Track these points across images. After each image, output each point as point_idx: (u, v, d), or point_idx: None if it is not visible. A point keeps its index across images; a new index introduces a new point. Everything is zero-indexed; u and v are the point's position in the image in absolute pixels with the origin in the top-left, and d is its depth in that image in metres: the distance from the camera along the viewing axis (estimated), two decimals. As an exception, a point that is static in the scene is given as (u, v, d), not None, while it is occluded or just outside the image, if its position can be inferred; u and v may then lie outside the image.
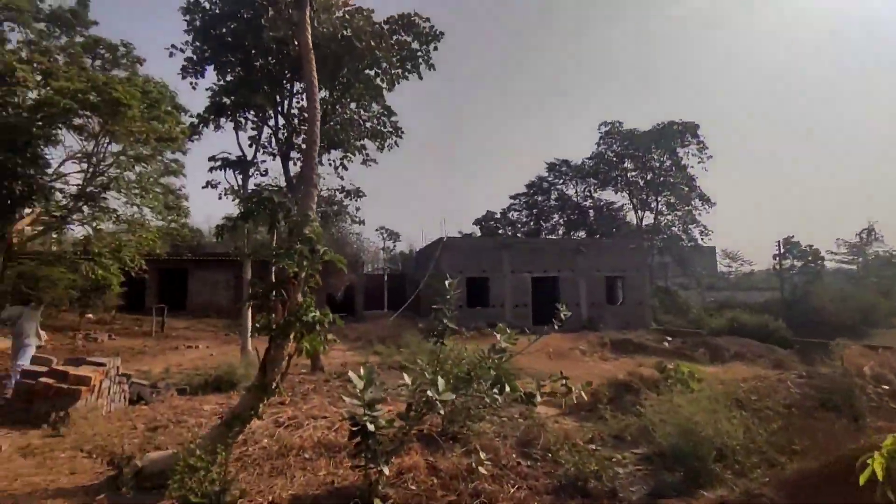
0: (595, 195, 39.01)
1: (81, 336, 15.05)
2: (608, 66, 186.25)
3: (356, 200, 12.25)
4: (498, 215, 45.37)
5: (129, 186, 14.19)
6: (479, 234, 40.83)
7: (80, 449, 5.17)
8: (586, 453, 5.75)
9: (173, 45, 10.84)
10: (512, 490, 4.83)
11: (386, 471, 4.40)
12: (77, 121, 14.01)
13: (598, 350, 18.32)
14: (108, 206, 14.14)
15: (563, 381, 5.35)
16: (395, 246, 42.35)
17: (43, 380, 6.35)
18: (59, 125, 13.67)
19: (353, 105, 11.22)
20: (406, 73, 11.14)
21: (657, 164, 35.74)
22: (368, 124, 11.63)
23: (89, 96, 13.17)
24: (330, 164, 11.95)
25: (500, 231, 43.06)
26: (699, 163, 35.50)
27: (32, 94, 13.94)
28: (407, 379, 4.87)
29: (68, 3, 15.91)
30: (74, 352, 12.88)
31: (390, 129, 12.13)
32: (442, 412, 4.94)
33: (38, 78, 14.42)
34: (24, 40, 15.55)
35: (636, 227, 36.28)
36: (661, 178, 35.30)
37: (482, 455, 5.02)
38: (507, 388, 4.87)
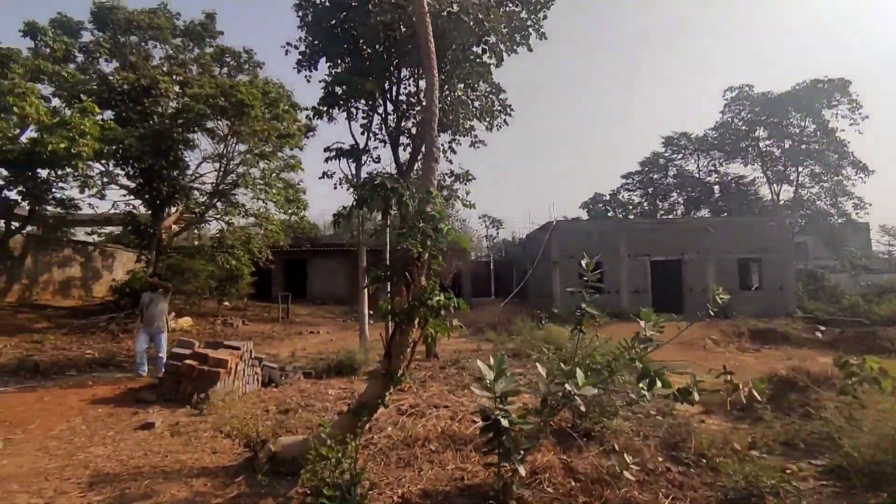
0: (721, 169, 35.27)
1: (220, 321, 16.51)
2: (736, 24, 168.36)
3: (466, 184, 11.91)
4: (607, 197, 42.95)
5: (254, 183, 15.23)
6: (585, 217, 38.91)
7: (220, 430, 5.37)
8: (753, 462, 4.88)
9: (288, 43, 11.22)
10: (666, 501, 4.17)
11: (522, 471, 3.97)
12: (209, 124, 15.25)
13: (733, 340, 16.44)
14: (238, 202, 15.29)
15: (727, 377, 4.51)
16: (497, 233, 41.81)
17: (187, 362, 6.79)
18: (195, 129, 14.93)
19: (460, 86, 10.85)
20: (515, 47, 10.53)
21: (797, 130, 31.28)
22: (477, 104, 11.21)
23: (219, 101, 14.23)
24: (437, 149, 11.75)
25: (609, 214, 40.72)
26: (851, 125, 30.43)
27: (172, 103, 15.40)
28: (541, 369, 4.40)
29: (198, 17, 17.31)
30: (214, 336, 14.09)
31: (499, 108, 11.61)
32: (583, 408, 4.42)
33: (177, 88, 15.90)
34: (164, 56, 17.24)
35: (771, 203, 32.19)
36: (803, 146, 30.82)
37: (628, 458, 4.40)
38: (659, 383, 4.18)
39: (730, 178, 34.87)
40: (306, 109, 11.28)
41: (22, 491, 4.00)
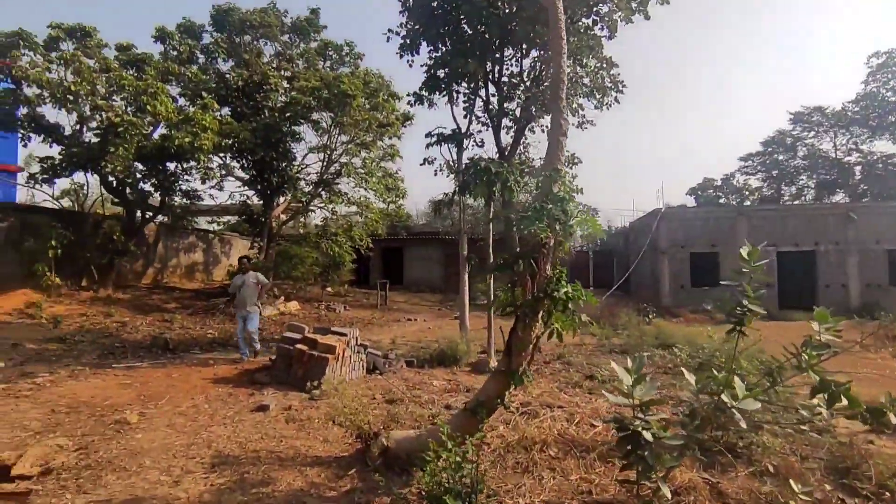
0: (863, 147, 30.74)
1: (323, 306, 17.21)
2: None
3: (572, 168, 11.18)
4: (718, 182, 39.35)
5: (355, 172, 15.56)
6: (692, 205, 35.90)
7: (332, 419, 5.32)
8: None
9: (389, 30, 11.13)
10: (848, 544, 3.39)
11: (666, 492, 3.40)
12: (314, 116, 15.78)
13: (885, 344, 14.16)
14: (341, 191, 15.73)
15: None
16: (595, 221, 39.83)
17: (299, 346, 6.90)
18: (301, 121, 15.50)
19: (568, 61, 10.10)
20: (632, 15, 9.60)
21: (965, 99, 26.42)
22: (586, 80, 10.41)
23: (323, 93, 14.66)
24: (542, 131, 11.12)
25: (721, 200, 37.27)
26: None
27: (281, 98, 16.13)
28: (689, 376, 3.77)
29: (303, 13, 17.94)
30: (319, 320, 14.65)
31: (610, 84, 10.72)
32: (743, 425, 3.74)
33: (285, 83, 16.61)
34: (273, 52, 18.12)
35: (928, 186, 27.56)
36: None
37: (796, 486, 3.65)
38: (844, 400, 3.39)
39: (875, 157, 30.33)
40: (408, 96, 11.12)
41: (153, 467, 4.14)
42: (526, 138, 11.23)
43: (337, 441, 4.86)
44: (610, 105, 10.91)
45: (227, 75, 16.41)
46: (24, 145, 14.98)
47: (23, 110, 13.81)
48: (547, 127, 11.52)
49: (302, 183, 17.39)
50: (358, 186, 15.93)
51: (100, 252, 14.39)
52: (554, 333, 3.84)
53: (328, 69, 17.72)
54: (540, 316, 3.86)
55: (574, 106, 10.62)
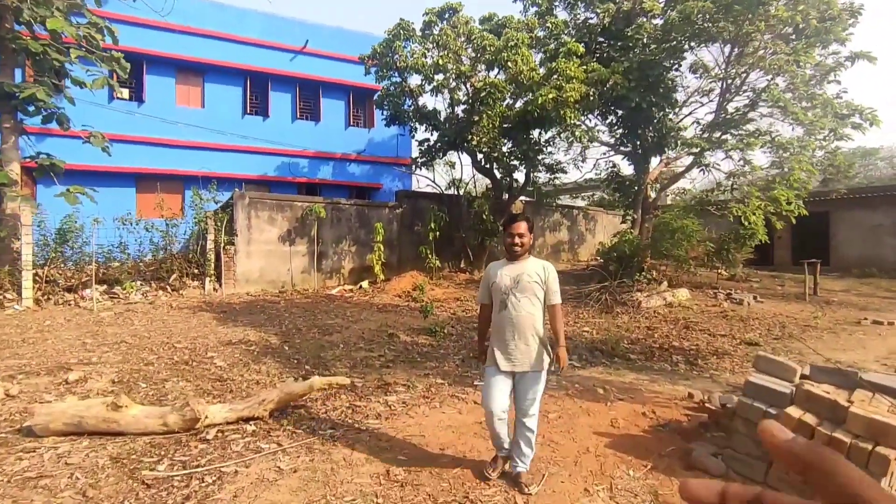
0: None
1: (723, 296, 12.75)
2: None
3: None
4: None
5: (779, 98, 10.39)
6: None
7: None
8: None
9: None
10: None
11: None
12: (708, 33, 11.39)
13: None
14: (759, 130, 10.88)
15: None
16: None
17: (794, 419, 3.29)
18: (690, 46, 11.41)
19: None
20: None
21: None
22: None
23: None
24: None
25: None
26: None
27: (658, 21, 12.40)
28: None
29: None
30: (726, 318, 10.44)
31: None
32: None
33: (661, 4, 12.78)
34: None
35: None
36: None
37: None
38: None
39: None
40: None
41: None
42: None
43: None
44: None
45: (591, 18, 13.77)
46: (412, 136, 16.05)
47: (408, 102, 14.56)
48: None
49: (686, 135, 13.26)
50: (787, 119, 10.68)
51: (472, 233, 14.10)
52: None
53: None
54: None
55: None
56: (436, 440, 4.03)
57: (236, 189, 12.39)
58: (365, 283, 12.87)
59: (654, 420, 4.44)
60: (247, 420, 4.28)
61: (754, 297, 12.82)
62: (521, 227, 3.06)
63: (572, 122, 11.19)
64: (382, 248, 13.06)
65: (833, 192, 15.55)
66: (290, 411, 4.54)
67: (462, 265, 14.88)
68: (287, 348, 6.92)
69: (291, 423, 4.29)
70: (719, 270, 15.47)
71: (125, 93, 15.48)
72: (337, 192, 17.77)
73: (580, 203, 23.14)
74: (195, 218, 11.76)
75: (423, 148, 13.92)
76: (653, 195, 14.28)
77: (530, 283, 3.09)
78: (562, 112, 10.94)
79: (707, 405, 4.39)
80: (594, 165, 16.31)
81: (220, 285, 11.68)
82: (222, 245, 11.65)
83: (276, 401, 4.35)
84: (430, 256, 13.12)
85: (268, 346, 7.02)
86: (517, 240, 3.07)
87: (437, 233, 13.28)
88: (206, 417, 4.01)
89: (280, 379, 5.60)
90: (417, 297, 11.24)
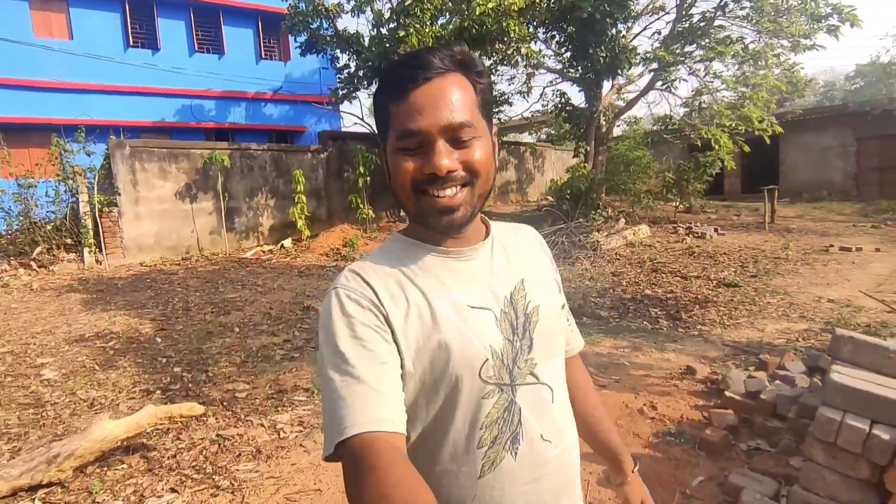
0: None
1: (683, 231, 11.83)
2: None
3: None
4: None
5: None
6: None
7: None
8: None
9: None
10: None
11: None
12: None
13: None
14: (729, 38, 9.48)
15: None
16: None
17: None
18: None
19: None
20: None
21: None
22: None
23: None
24: None
25: None
26: None
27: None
28: None
29: None
30: (693, 257, 9.45)
31: None
32: None
33: None
34: None
35: None
36: None
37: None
38: None
39: None
40: None
41: None
42: None
43: None
44: None
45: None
46: (335, 68, 13.80)
47: (325, 25, 12.26)
48: None
49: (641, 53, 11.77)
50: (762, 21, 9.25)
51: (410, 176, 12.38)
52: None
53: None
54: None
55: None
56: (339, 496, 2.55)
57: (112, 136, 10.00)
58: (287, 242, 11.03)
59: (658, 420, 3.14)
60: (33, 489, 2.65)
61: (715, 230, 11.96)
62: (447, 112, 0.74)
63: (516, 35, 9.43)
64: (305, 199, 11.17)
65: (789, 113, 14.72)
66: (116, 460, 2.93)
67: (401, 213, 13.22)
68: (160, 340, 5.18)
69: (108, 487, 2.69)
70: (676, 204, 14.59)
71: (-39, 22, 12.25)
72: (253, 137, 15.36)
73: (529, 137, 21.72)
74: (60, 175, 9.38)
75: (342, 76, 11.81)
76: (605, 125, 12.93)
77: (550, 313, 0.88)
78: (504, 24, 9.17)
79: (728, 394, 3.11)
80: (541, 95, 14.72)
81: (104, 256, 9.54)
82: (99, 207, 9.42)
83: (80, 455, 2.71)
84: (362, 206, 11.35)
85: (134, 338, 5.26)
86: (451, 170, 0.76)
87: (369, 178, 11.47)
88: (-66, 507, 2.34)
89: (129, 395, 3.93)
90: (348, 254, 9.59)
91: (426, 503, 0.58)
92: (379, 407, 0.67)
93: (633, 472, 1.05)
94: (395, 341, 0.74)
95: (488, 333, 0.79)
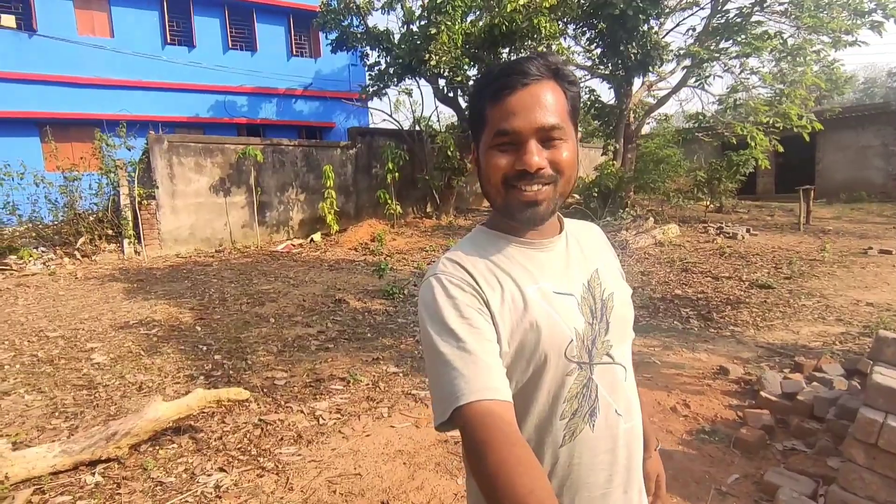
0: None
1: (714, 231, 11.63)
2: None
3: None
4: None
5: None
6: None
7: None
8: None
9: None
10: None
11: None
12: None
13: None
14: (766, 33, 9.28)
15: None
16: None
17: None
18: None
19: None
20: None
21: None
22: None
23: None
24: None
25: None
26: None
27: None
28: None
29: None
30: (724, 257, 9.30)
31: None
32: None
33: None
34: None
35: None
36: None
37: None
38: None
39: None
40: None
41: None
42: None
43: None
44: None
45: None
46: (364, 65, 13.94)
47: (356, 22, 12.43)
48: None
49: (674, 49, 11.59)
50: (795, 23, 8.99)
51: (437, 173, 12.46)
52: None
53: None
54: None
55: None
56: (377, 481, 2.65)
57: (151, 131, 10.33)
58: (317, 236, 11.24)
59: (691, 418, 3.16)
60: (93, 464, 2.82)
61: (747, 230, 11.73)
62: (541, 114, 0.82)
63: (547, 32, 9.40)
64: (335, 194, 11.35)
65: (827, 111, 14.28)
66: (167, 440, 3.09)
67: (427, 209, 13.32)
68: (199, 329, 5.38)
69: (161, 465, 2.85)
70: (706, 203, 14.33)
71: (11, 20, 12.79)
72: (283, 132, 15.66)
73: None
74: (102, 169, 9.75)
75: (373, 73, 11.94)
76: (635, 123, 12.78)
77: (622, 301, 0.96)
78: (535, 21, 9.15)
79: (764, 394, 3.11)
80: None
81: (142, 247, 9.89)
82: (138, 200, 9.76)
83: (136, 434, 2.88)
84: (390, 202, 11.49)
85: (175, 326, 5.47)
86: (540, 167, 0.83)
87: (397, 174, 11.59)
88: (7, 477, 2.51)
89: (174, 380, 4.11)
90: (376, 249, 9.72)
91: (543, 489, 0.64)
92: (490, 377, 0.75)
93: (655, 449, 1.14)
94: (494, 322, 0.82)
95: (573, 316, 0.87)
